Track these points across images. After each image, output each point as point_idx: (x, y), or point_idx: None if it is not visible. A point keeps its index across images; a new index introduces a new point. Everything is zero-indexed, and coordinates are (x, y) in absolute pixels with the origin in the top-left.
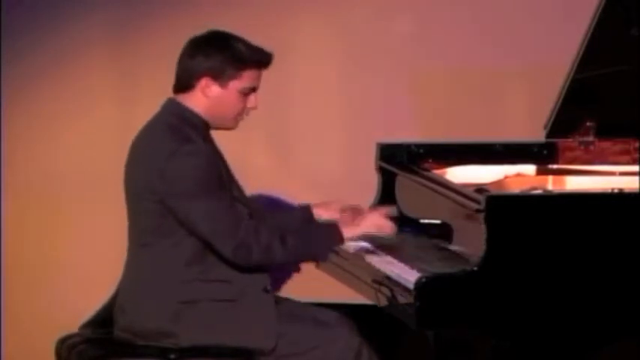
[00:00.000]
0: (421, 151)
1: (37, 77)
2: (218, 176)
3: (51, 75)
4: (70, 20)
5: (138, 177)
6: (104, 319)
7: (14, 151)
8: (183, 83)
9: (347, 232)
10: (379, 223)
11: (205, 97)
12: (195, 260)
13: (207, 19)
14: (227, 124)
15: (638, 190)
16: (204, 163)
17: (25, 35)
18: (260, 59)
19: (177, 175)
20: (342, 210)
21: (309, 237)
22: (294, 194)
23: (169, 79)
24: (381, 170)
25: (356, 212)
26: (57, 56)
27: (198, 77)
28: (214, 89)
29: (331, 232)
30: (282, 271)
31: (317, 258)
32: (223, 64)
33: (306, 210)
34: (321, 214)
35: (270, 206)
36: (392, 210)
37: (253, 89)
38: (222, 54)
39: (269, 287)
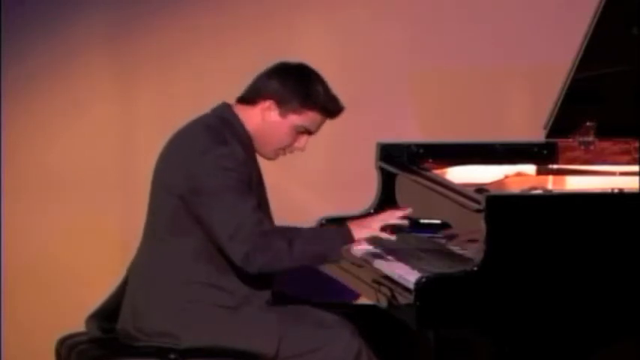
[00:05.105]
0: (421, 151)
1: (37, 77)
2: (247, 181)
3: (51, 75)
4: (70, 20)
5: (165, 171)
6: (111, 312)
7: (14, 151)
8: (249, 97)
9: (357, 232)
10: (389, 218)
11: (261, 118)
12: (203, 262)
13: (206, 20)
14: (266, 152)
15: (638, 190)
16: (235, 166)
17: (25, 35)
18: (329, 107)
19: (204, 174)
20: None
21: (318, 237)
22: (294, 194)
23: (169, 78)
24: (381, 170)
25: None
26: (57, 56)
27: (265, 97)
28: (273, 115)
29: (342, 232)
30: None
31: (328, 258)
32: (292, 96)
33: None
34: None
35: None
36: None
37: (309, 132)
38: (297, 86)
39: (270, 301)
